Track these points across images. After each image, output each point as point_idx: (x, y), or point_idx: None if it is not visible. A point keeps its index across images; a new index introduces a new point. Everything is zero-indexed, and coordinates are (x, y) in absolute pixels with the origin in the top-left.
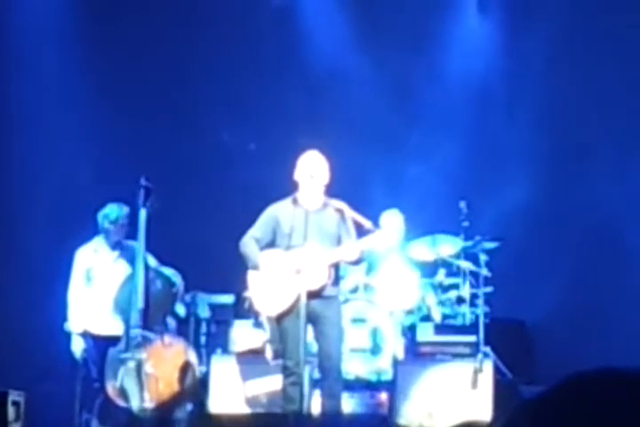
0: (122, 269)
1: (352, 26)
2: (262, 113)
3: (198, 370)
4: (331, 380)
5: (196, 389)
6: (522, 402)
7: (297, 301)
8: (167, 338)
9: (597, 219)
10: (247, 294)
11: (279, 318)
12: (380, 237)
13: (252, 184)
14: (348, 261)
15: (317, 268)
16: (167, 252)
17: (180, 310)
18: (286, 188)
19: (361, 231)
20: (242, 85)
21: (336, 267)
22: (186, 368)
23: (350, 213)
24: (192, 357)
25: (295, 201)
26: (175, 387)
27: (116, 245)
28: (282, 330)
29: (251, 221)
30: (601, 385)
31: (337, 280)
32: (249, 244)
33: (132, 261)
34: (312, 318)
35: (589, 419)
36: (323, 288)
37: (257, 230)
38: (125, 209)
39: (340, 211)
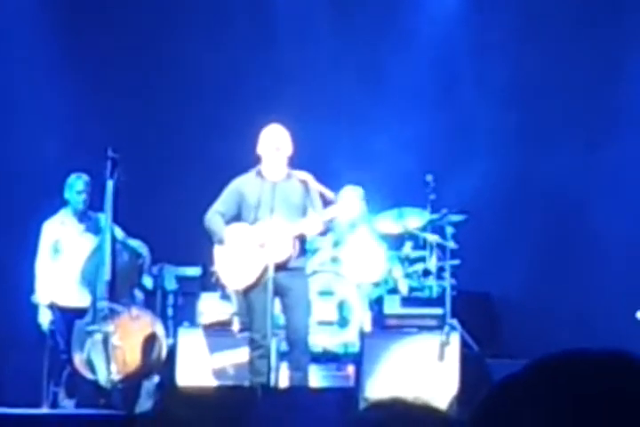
0: (89, 241)
1: (320, 1)
2: (228, 86)
3: (165, 342)
4: (298, 352)
5: (163, 361)
6: (489, 393)
7: (263, 274)
8: (134, 310)
9: (564, 192)
10: (213, 268)
11: (246, 292)
12: (339, 208)
13: (219, 156)
14: (312, 233)
15: (281, 240)
16: (134, 224)
17: (148, 282)
18: (251, 160)
19: (326, 203)
20: (210, 59)
21: (302, 239)
22: (153, 341)
23: (314, 184)
24: (159, 329)
25: (259, 174)
26: (142, 359)
27: (83, 217)
28: (249, 303)
29: (218, 193)
30: (569, 370)
31: (303, 252)
32: (213, 219)
33: (99, 233)
34: (279, 291)
35: (557, 407)
36: (287, 260)
37: (221, 205)
38: (84, 177)
39: (304, 182)
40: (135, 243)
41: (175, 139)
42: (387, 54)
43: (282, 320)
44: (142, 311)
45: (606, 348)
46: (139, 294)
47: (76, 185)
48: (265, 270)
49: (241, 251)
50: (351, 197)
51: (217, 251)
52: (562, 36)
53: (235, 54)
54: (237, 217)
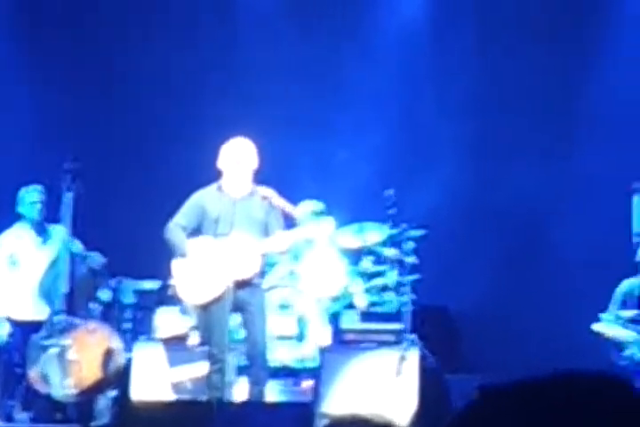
0: (46, 253)
1: (284, 10)
2: (193, 97)
3: (123, 356)
4: (257, 367)
5: (120, 375)
6: (469, 403)
7: (226, 289)
8: (92, 324)
9: (523, 208)
10: (172, 281)
11: (205, 306)
12: (309, 229)
13: (179, 169)
14: (278, 251)
15: (249, 257)
16: (93, 236)
17: (105, 295)
18: (212, 174)
19: (287, 218)
20: (175, 68)
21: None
22: (110, 355)
23: (278, 201)
24: (116, 343)
25: (220, 188)
26: (98, 373)
27: (40, 230)
28: (207, 318)
29: (178, 207)
30: (557, 392)
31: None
32: (174, 231)
33: (56, 245)
34: (238, 306)
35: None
36: (252, 278)
37: (182, 218)
38: (37, 187)
39: (267, 198)
40: (93, 256)
41: (135, 151)
42: (350, 67)
43: (240, 335)
44: (100, 325)
45: (595, 370)
46: (97, 308)
47: (28, 197)
48: (227, 286)
49: (204, 265)
50: (324, 221)
51: (176, 264)
52: (520, 47)
53: (203, 66)
54: (197, 231)
